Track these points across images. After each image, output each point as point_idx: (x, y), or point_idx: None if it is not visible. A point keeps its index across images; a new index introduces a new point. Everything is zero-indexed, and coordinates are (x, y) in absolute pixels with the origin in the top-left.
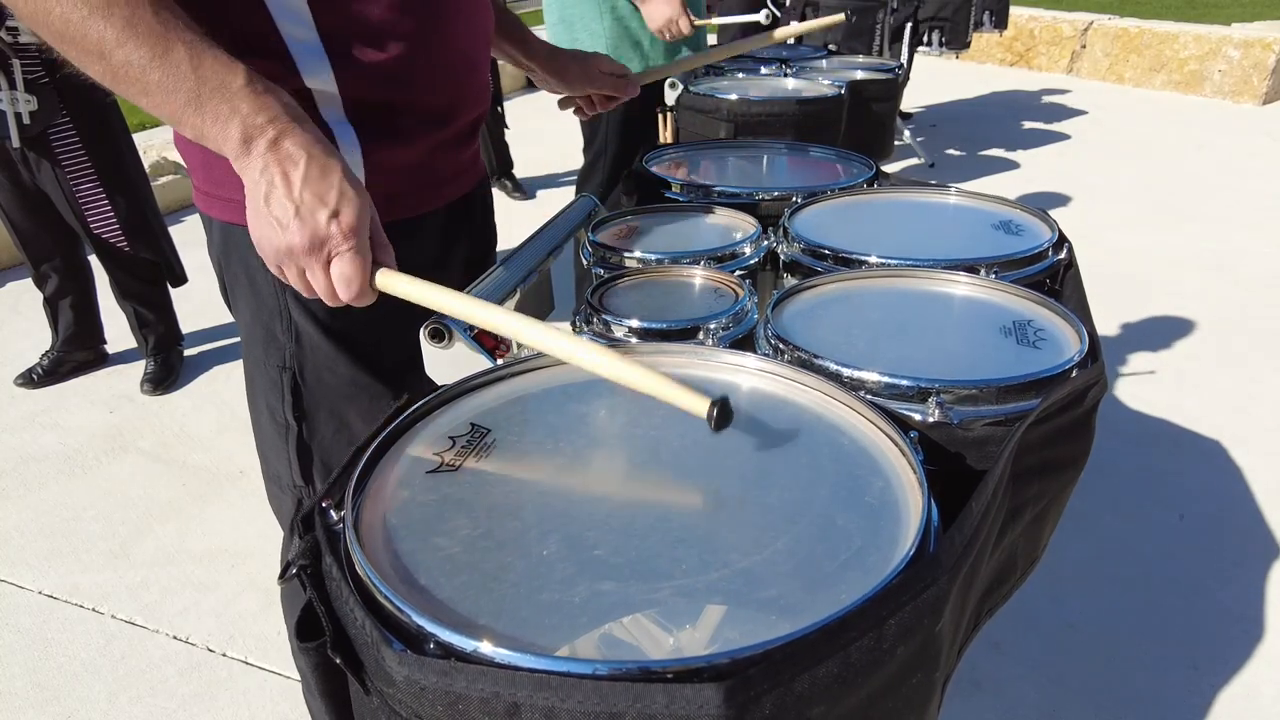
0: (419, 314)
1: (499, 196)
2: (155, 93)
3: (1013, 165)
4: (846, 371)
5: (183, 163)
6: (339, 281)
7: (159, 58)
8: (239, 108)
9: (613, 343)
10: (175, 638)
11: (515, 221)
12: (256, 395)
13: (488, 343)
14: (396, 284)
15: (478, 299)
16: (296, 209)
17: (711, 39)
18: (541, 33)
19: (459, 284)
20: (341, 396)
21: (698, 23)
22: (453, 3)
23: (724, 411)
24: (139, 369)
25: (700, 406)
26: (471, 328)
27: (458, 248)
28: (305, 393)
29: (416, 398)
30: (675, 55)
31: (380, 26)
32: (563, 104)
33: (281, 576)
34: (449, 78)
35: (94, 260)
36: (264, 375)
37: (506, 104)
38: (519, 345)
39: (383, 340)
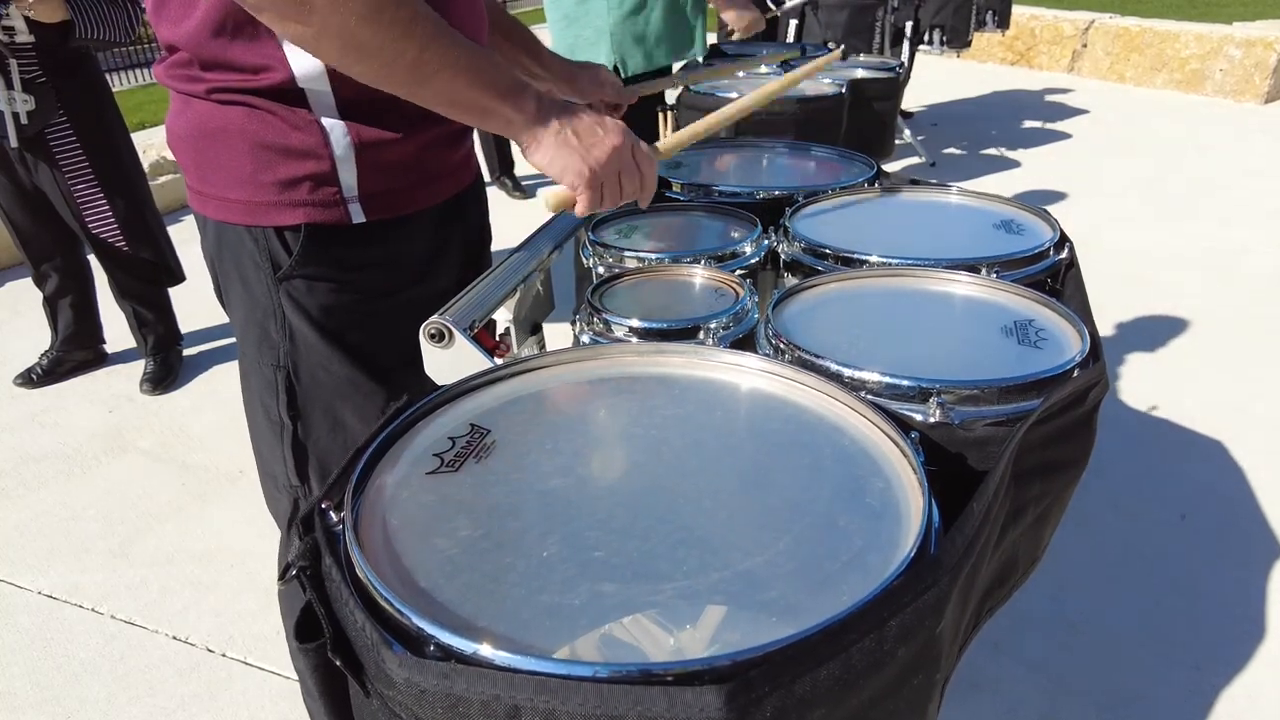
0: (414, 313)
1: (499, 196)
2: (464, 87)
3: (1014, 164)
4: (847, 372)
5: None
6: (645, 158)
7: (462, 55)
8: (520, 80)
9: (613, 343)
10: (175, 637)
11: (515, 221)
12: (251, 394)
13: (488, 343)
14: (664, 146)
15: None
16: (600, 126)
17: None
18: (542, 31)
19: (452, 283)
20: (336, 395)
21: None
22: (442, 5)
23: None
24: (138, 369)
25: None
26: (471, 327)
27: (451, 245)
28: (299, 391)
29: (416, 398)
30: (678, 54)
31: None
32: None
33: (281, 578)
34: None
35: (93, 260)
36: (258, 374)
37: None
38: (519, 345)
39: (377, 339)
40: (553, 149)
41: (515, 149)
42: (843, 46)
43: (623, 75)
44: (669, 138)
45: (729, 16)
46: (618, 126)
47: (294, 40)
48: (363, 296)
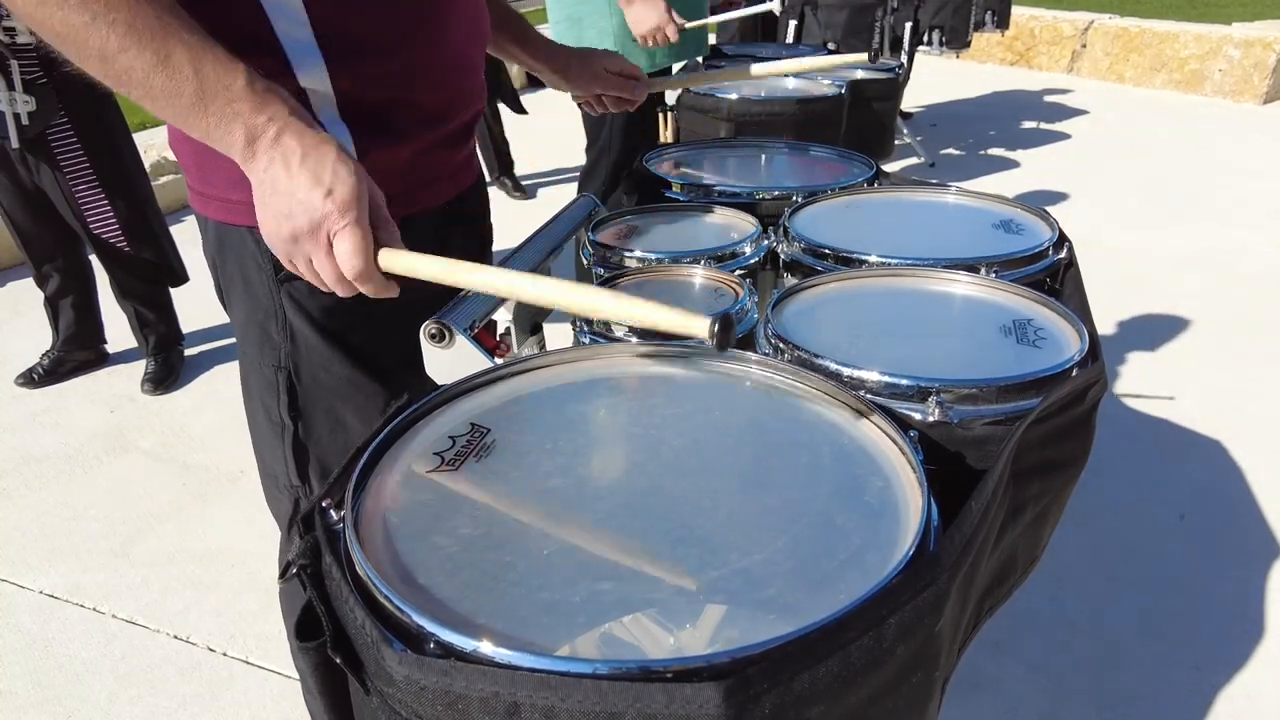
0: (414, 313)
1: (499, 196)
2: (159, 97)
3: (1013, 165)
4: (847, 371)
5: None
6: (342, 260)
7: (161, 63)
8: (240, 110)
9: (613, 343)
10: (176, 637)
11: (515, 221)
12: (252, 394)
13: (488, 342)
14: (401, 260)
15: (480, 266)
16: (292, 195)
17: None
18: (545, 31)
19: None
20: (336, 396)
21: (688, 26)
22: (448, 3)
23: (725, 326)
24: (139, 369)
25: (700, 326)
26: (472, 327)
27: (452, 248)
28: (300, 392)
29: (416, 397)
30: (682, 53)
31: (376, 27)
32: (575, 97)
33: (281, 576)
34: (444, 78)
35: (95, 260)
36: (259, 374)
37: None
38: (519, 345)
39: (377, 340)
40: (257, 199)
41: (515, 149)
42: (870, 52)
43: None
44: (398, 256)
45: (629, 16)
46: (316, 209)
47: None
48: (364, 297)
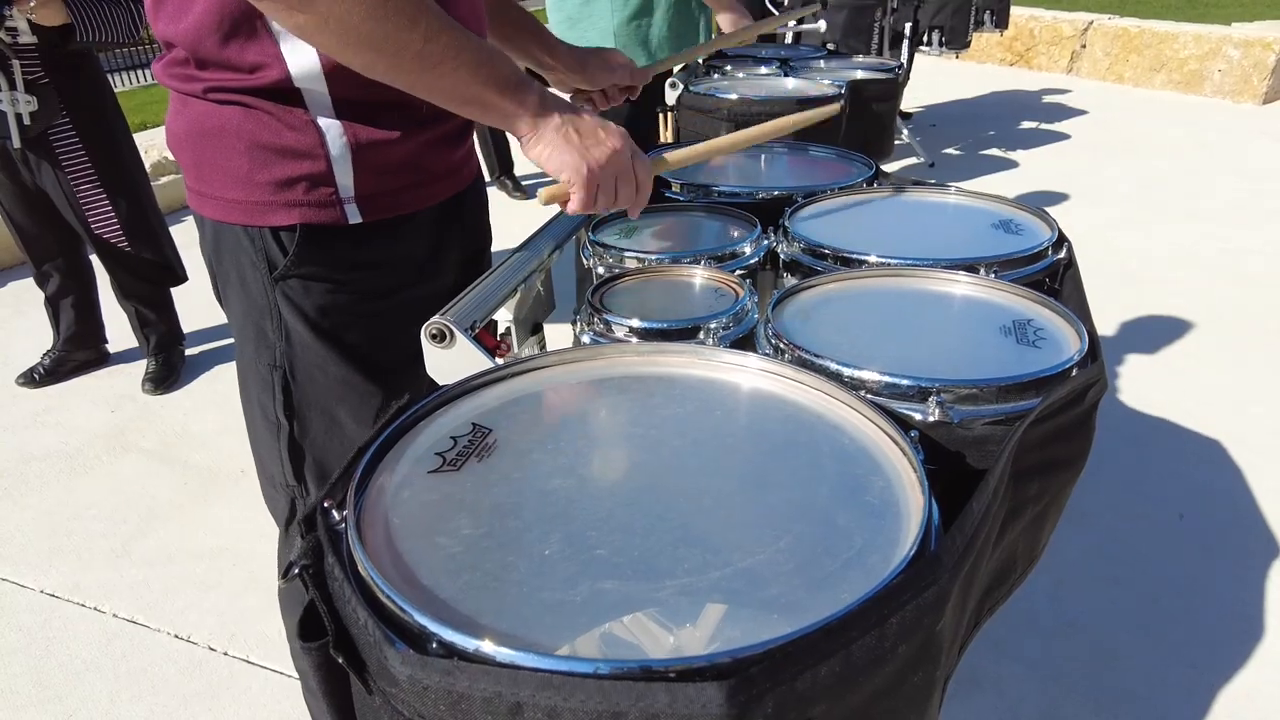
0: (409, 314)
1: (499, 196)
2: (466, 80)
3: (1012, 165)
4: (847, 371)
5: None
6: (643, 167)
7: (466, 37)
8: (524, 76)
9: (613, 343)
10: (177, 636)
11: (515, 221)
12: (249, 393)
13: (489, 342)
14: (663, 162)
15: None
16: (602, 128)
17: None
18: None
19: (452, 284)
20: (332, 396)
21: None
22: (448, 4)
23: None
24: (140, 368)
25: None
26: (473, 327)
27: (450, 247)
28: (296, 391)
29: (418, 398)
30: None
31: None
32: (575, 96)
33: (283, 576)
34: None
35: (95, 260)
36: (255, 374)
37: None
38: (520, 345)
39: (372, 340)
40: (553, 144)
41: (515, 149)
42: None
43: None
44: (674, 152)
45: (724, 20)
46: (620, 132)
47: (296, 32)
48: (360, 297)
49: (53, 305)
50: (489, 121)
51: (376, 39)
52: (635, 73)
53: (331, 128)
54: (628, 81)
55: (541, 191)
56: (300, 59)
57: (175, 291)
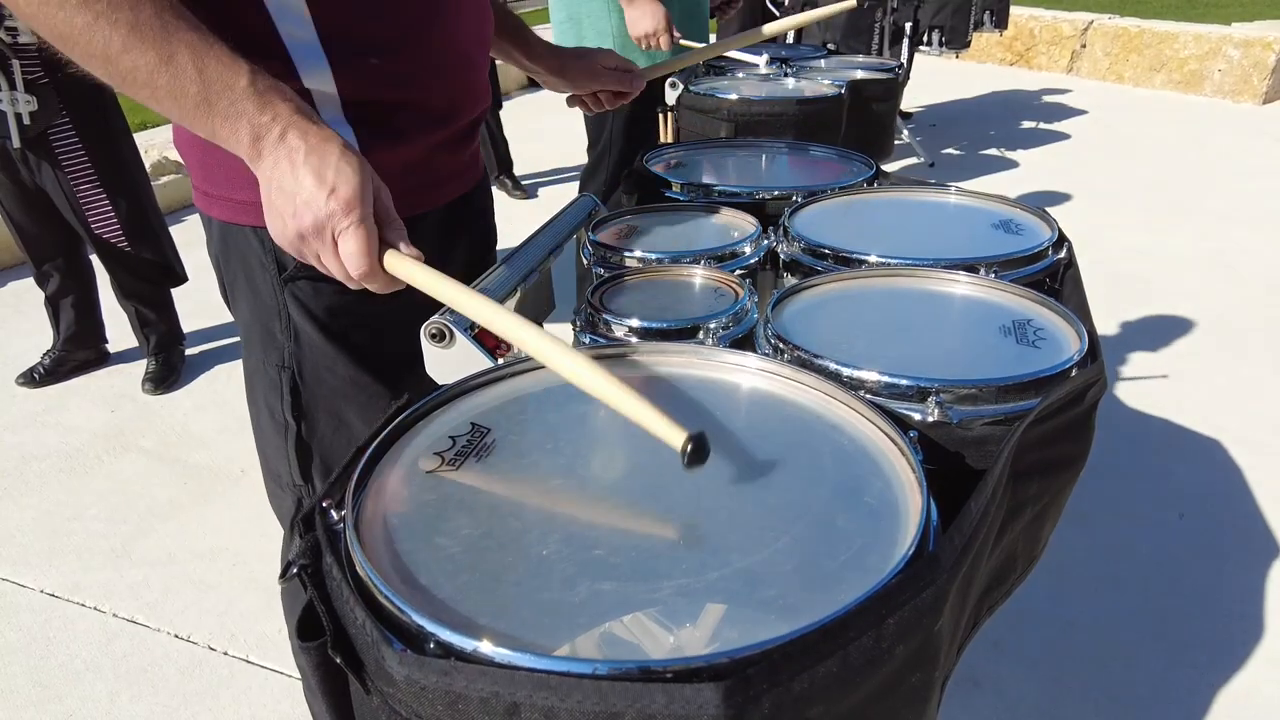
0: (417, 314)
1: (499, 196)
2: (164, 98)
3: (1013, 165)
4: (846, 371)
5: (183, 162)
6: (346, 260)
7: (164, 62)
8: (245, 109)
9: (614, 342)
10: (176, 636)
11: (515, 221)
12: (256, 394)
13: (488, 342)
14: (405, 267)
15: (481, 295)
16: (296, 194)
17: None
18: (546, 31)
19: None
20: (340, 396)
21: (683, 42)
22: (452, 3)
23: (698, 448)
24: (140, 368)
25: (676, 438)
26: (472, 327)
27: (457, 248)
28: (304, 392)
29: (417, 397)
30: (678, 50)
31: (379, 27)
32: (570, 101)
33: (282, 576)
34: (448, 78)
35: (95, 260)
36: (263, 374)
37: (506, 103)
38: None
39: (381, 340)
40: (264, 197)
41: (515, 149)
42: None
43: None
44: (401, 263)
45: (628, 16)
46: (320, 210)
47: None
48: (368, 297)
49: (53, 305)
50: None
51: (63, 34)
52: (627, 77)
53: (342, 130)
54: (616, 86)
55: None
56: (309, 61)
57: (175, 291)
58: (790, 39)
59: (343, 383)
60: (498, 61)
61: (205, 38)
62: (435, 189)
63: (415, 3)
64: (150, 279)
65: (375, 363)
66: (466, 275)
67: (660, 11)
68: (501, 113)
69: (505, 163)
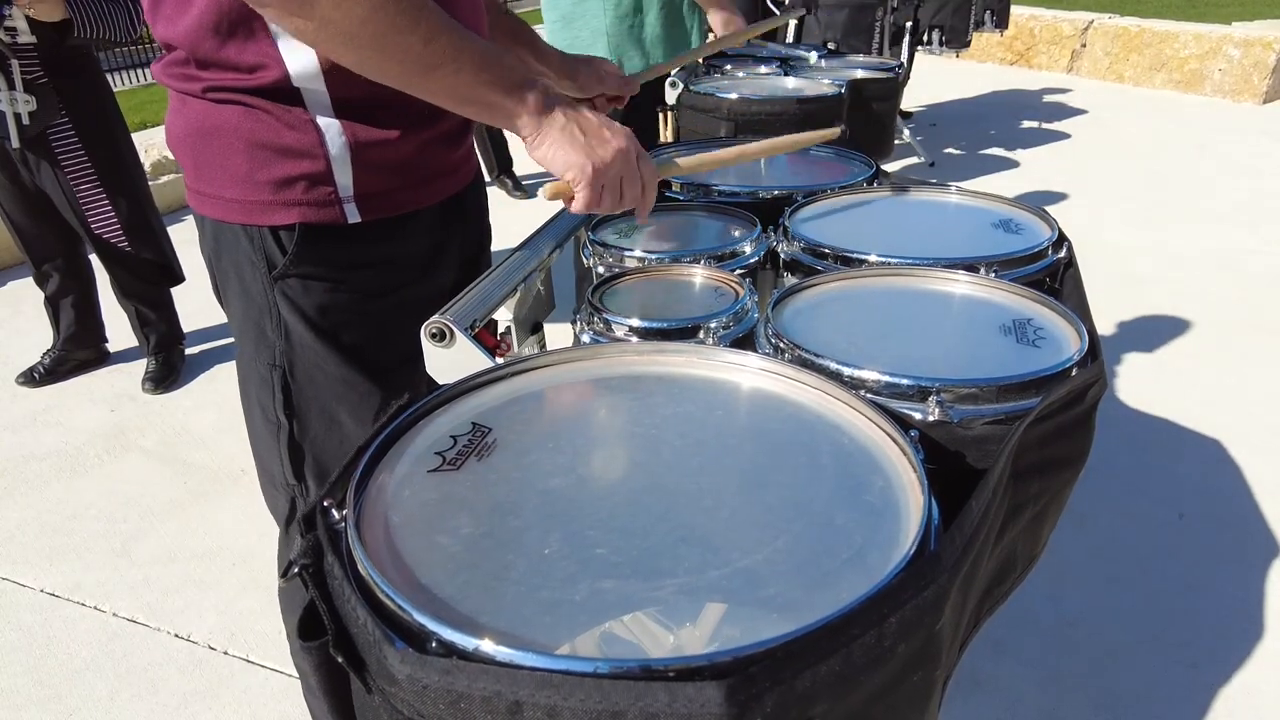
0: (408, 313)
1: (499, 195)
2: (466, 69)
3: (1013, 164)
4: (847, 370)
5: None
6: (649, 180)
7: (468, 40)
8: (524, 74)
9: (613, 343)
10: (177, 636)
11: (515, 221)
12: (249, 393)
13: (489, 342)
14: (688, 163)
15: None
16: (606, 128)
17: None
18: (540, 32)
19: (451, 283)
20: (332, 395)
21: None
22: (449, 4)
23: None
24: (140, 368)
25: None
26: (472, 326)
27: (450, 246)
28: (295, 390)
29: (417, 397)
30: (676, 54)
31: None
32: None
33: (283, 575)
34: None
35: (95, 259)
36: (255, 373)
37: None
38: (520, 344)
39: (372, 339)
40: (556, 144)
41: (514, 148)
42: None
43: None
44: (686, 159)
45: (715, 20)
46: (625, 132)
47: (297, 35)
48: (359, 296)
49: (53, 305)
50: (492, 121)
51: (376, 42)
52: (623, 82)
53: (331, 127)
54: (615, 90)
55: (545, 187)
56: (299, 59)
57: (175, 291)
58: (790, 38)
59: (334, 381)
60: None
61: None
62: (427, 186)
63: None
64: (150, 279)
65: (367, 362)
66: (461, 273)
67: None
68: None
69: (505, 163)
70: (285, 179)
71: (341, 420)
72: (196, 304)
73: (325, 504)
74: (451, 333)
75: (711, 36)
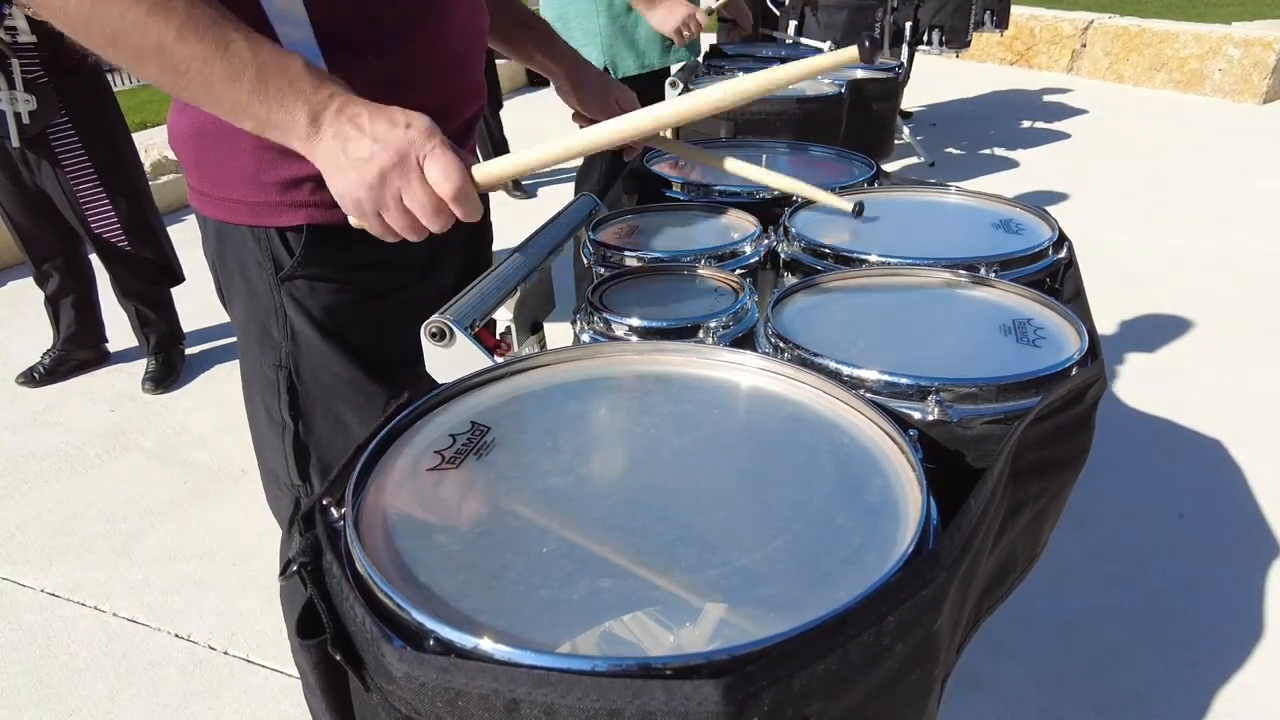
0: (414, 313)
1: (499, 196)
2: (218, 84)
3: (1013, 164)
4: (846, 370)
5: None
6: (437, 183)
7: (220, 49)
8: (301, 88)
9: (613, 342)
10: (177, 635)
11: (515, 221)
12: (253, 393)
13: (489, 341)
14: (494, 169)
15: (587, 138)
16: (373, 138)
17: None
18: None
19: (453, 282)
20: (337, 395)
21: (714, 6)
22: (447, 3)
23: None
24: (140, 368)
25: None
26: (472, 326)
27: (452, 246)
28: (301, 391)
29: (417, 396)
30: (670, 52)
31: (375, 27)
32: (575, 117)
33: (282, 574)
34: (443, 78)
35: (95, 259)
36: (260, 374)
37: (506, 103)
38: (520, 343)
39: (378, 339)
40: (326, 170)
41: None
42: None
43: (615, 77)
44: (488, 165)
45: (654, 19)
46: (395, 141)
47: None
48: (364, 296)
49: (53, 305)
50: (271, 137)
51: (109, 28)
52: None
53: None
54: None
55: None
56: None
57: (175, 291)
58: (790, 39)
59: (340, 382)
60: (498, 60)
61: (253, 30)
62: None
63: (411, 3)
64: (150, 278)
65: (372, 363)
66: (463, 274)
67: (684, 3)
68: (501, 113)
69: None
70: (292, 180)
71: (346, 420)
72: (196, 304)
73: (324, 502)
74: (451, 332)
75: (715, 35)
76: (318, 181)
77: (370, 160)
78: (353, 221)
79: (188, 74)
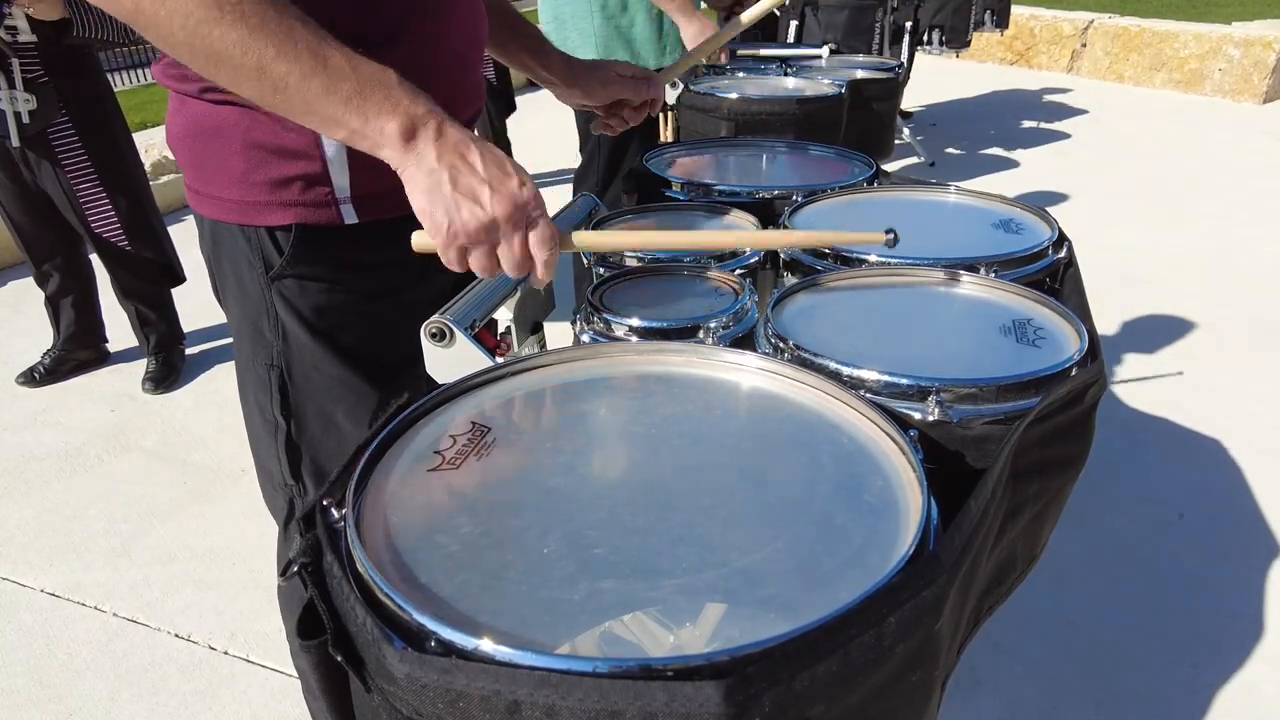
0: (405, 314)
1: None
2: (316, 97)
3: (1013, 164)
4: (846, 370)
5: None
6: (538, 246)
7: (319, 64)
8: (400, 101)
9: (613, 343)
10: (177, 635)
11: None
12: (247, 393)
13: (489, 341)
14: (587, 239)
15: (669, 232)
16: (490, 184)
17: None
18: None
19: (450, 284)
20: (329, 396)
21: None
22: (447, 4)
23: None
24: (140, 368)
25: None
26: (472, 326)
27: None
28: (293, 391)
29: (417, 396)
30: (666, 52)
31: (372, 27)
32: (594, 126)
33: (283, 574)
34: (442, 78)
35: (95, 259)
36: (253, 373)
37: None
38: (520, 344)
39: (369, 340)
40: (418, 187)
41: (515, 148)
42: None
43: None
44: (588, 235)
45: (687, 34)
46: (510, 196)
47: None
48: (356, 297)
49: (53, 305)
50: (360, 148)
51: (210, 50)
52: (641, 84)
53: None
54: (633, 95)
55: (414, 234)
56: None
57: (175, 291)
58: (790, 38)
59: (331, 382)
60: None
61: (345, 45)
62: None
63: (410, 4)
64: (150, 278)
65: (364, 363)
66: (460, 276)
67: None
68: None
69: None
70: (282, 179)
71: (338, 421)
72: (196, 304)
73: (324, 503)
74: (451, 332)
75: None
76: (307, 181)
77: (483, 204)
78: (416, 241)
79: (286, 90)
